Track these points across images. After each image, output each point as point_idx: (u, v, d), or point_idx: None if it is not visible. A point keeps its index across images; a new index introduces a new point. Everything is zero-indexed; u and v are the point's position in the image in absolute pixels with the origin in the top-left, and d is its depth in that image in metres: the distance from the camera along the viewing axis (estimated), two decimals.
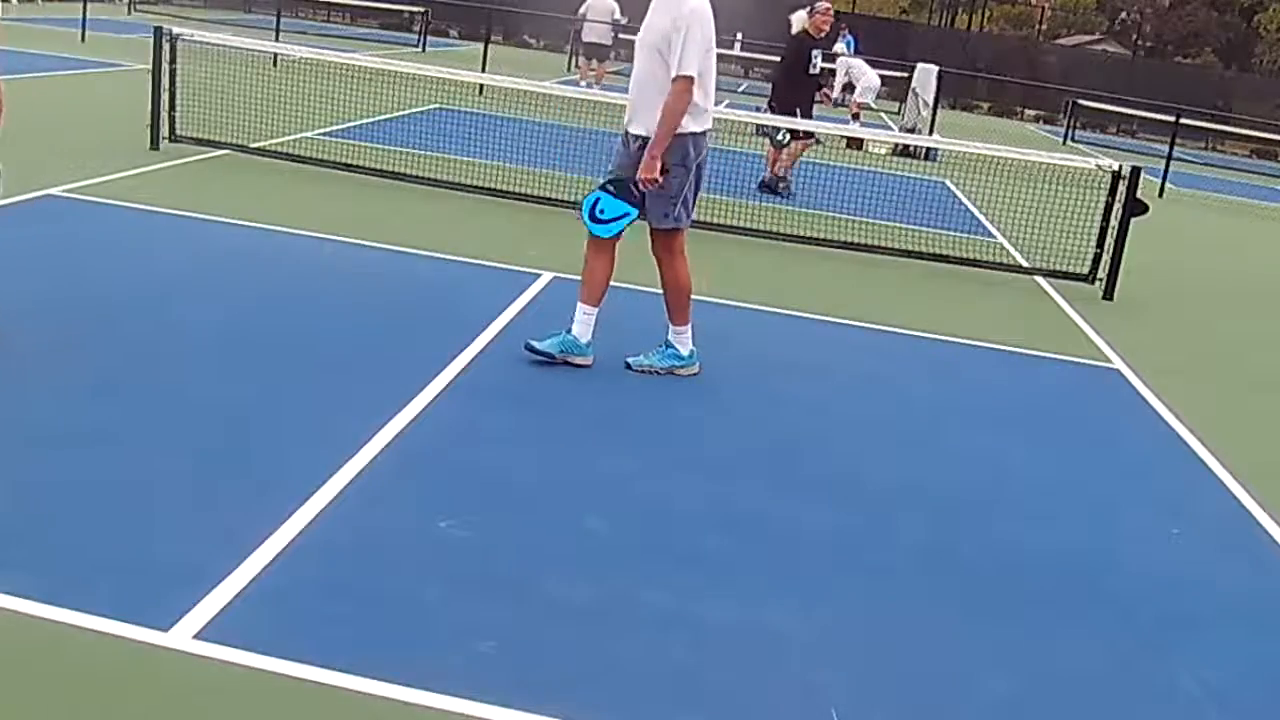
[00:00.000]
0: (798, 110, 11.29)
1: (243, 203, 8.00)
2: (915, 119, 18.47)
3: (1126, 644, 3.61)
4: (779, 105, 11.54)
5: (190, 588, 3.12)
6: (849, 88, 19.00)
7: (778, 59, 11.87)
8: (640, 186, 5.19)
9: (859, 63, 19.24)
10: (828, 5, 11.52)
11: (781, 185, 11.65)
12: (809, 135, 11.50)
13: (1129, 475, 5.18)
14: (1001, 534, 4.34)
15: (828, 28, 11.70)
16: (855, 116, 18.74)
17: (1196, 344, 8.11)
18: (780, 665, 3.21)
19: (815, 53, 11.54)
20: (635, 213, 5.23)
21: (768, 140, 11.65)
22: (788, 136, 11.24)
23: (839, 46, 20.10)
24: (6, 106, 4.66)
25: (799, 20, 11.62)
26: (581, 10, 20.24)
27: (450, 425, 4.60)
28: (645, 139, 5.20)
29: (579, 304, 5.42)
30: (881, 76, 19.64)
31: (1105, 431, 5.80)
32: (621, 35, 19.78)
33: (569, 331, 5.40)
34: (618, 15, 20.07)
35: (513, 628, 3.20)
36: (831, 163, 13.31)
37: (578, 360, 5.40)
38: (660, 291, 5.55)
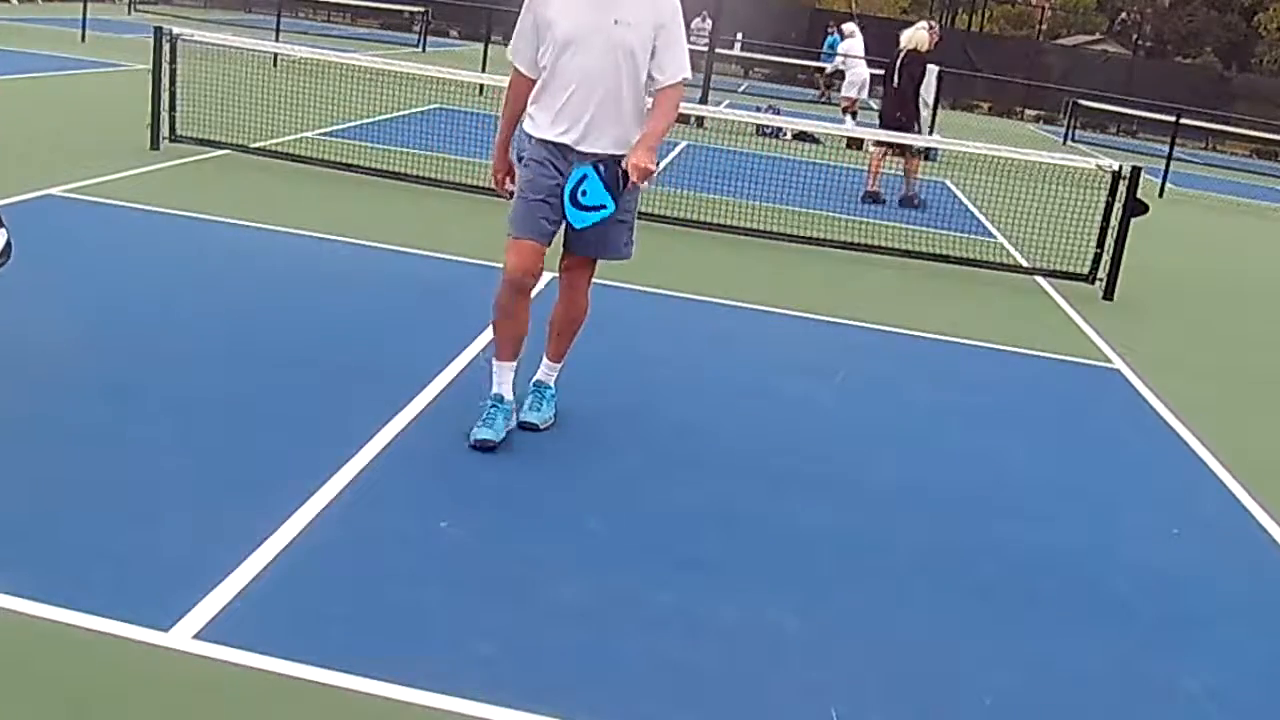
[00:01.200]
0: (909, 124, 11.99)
1: (243, 203, 8.00)
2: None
3: (1126, 644, 3.61)
4: (908, 120, 12.06)
5: (190, 588, 3.12)
6: (839, 75, 19.35)
7: (893, 77, 12.29)
8: (630, 181, 4.16)
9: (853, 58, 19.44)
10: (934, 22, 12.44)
11: (916, 200, 12.03)
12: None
13: (1129, 475, 5.18)
14: (1001, 534, 4.34)
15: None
16: (847, 110, 18.94)
17: (1196, 344, 8.11)
18: (780, 665, 3.21)
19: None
20: (613, 208, 4.23)
21: (897, 154, 12.06)
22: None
23: (846, 44, 20.26)
24: None
25: (920, 39, 12.06)
26: None
27: (451, 425, 4.59)
28: (605, 158, 4.18)
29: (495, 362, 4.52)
30: (882, 76, 19.64)
31: (1105, 431, 5.81)
32: None
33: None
34: None
35: (513, 628, 3.20)
36: (831, 163, 13.30)
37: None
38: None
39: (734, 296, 7.19)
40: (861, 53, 19.55)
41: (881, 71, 15.02)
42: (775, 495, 4.38)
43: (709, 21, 18.57)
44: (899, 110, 12.17)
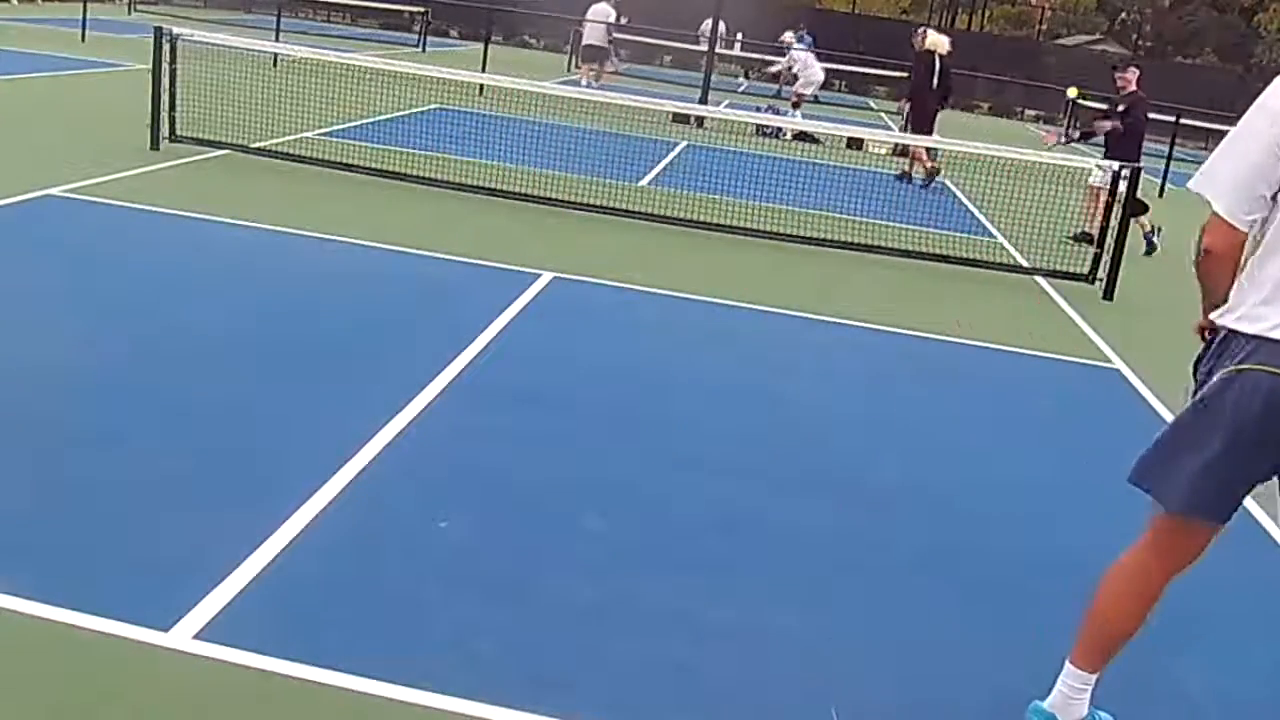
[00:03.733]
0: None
1: (243, 203, 8.00)
2: None
3: (1126, 644, 3.60)
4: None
5: (190, 588, 3.12)
6: (793, 79, 20.40)
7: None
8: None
9: (807, 57, 20.23)
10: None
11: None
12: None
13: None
14: (1001, 534, 4.34)
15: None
16: (796, 105, 19.66)
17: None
18: (780, 665, 3.21)
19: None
20: None
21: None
22: None
23: (799, 43, 21.03)
24: None
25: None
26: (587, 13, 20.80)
27: (450, 425, 4.59)
28: None
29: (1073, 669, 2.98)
30: (881, 77, 19.93)
31: (1104, 431, 5.80)
32: (616, 35, 20.97)
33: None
34: (613, 19, 20.67)
35: (513, 628, 3.20)
36: (831, 163, 13.31)
37: None
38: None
39: (734, 296, 7.19)
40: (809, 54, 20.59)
41: (898, 74, 15.65)
42: (775, 495, 4.37)
43: (716, 25, 18.75)
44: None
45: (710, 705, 2.99)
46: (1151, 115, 11.22)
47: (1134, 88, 10.85)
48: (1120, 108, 10.77)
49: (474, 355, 5.42)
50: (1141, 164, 9.86)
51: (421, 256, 7.28)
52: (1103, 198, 10.35)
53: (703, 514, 4.13)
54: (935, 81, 13.71)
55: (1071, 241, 10.50)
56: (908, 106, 14.00)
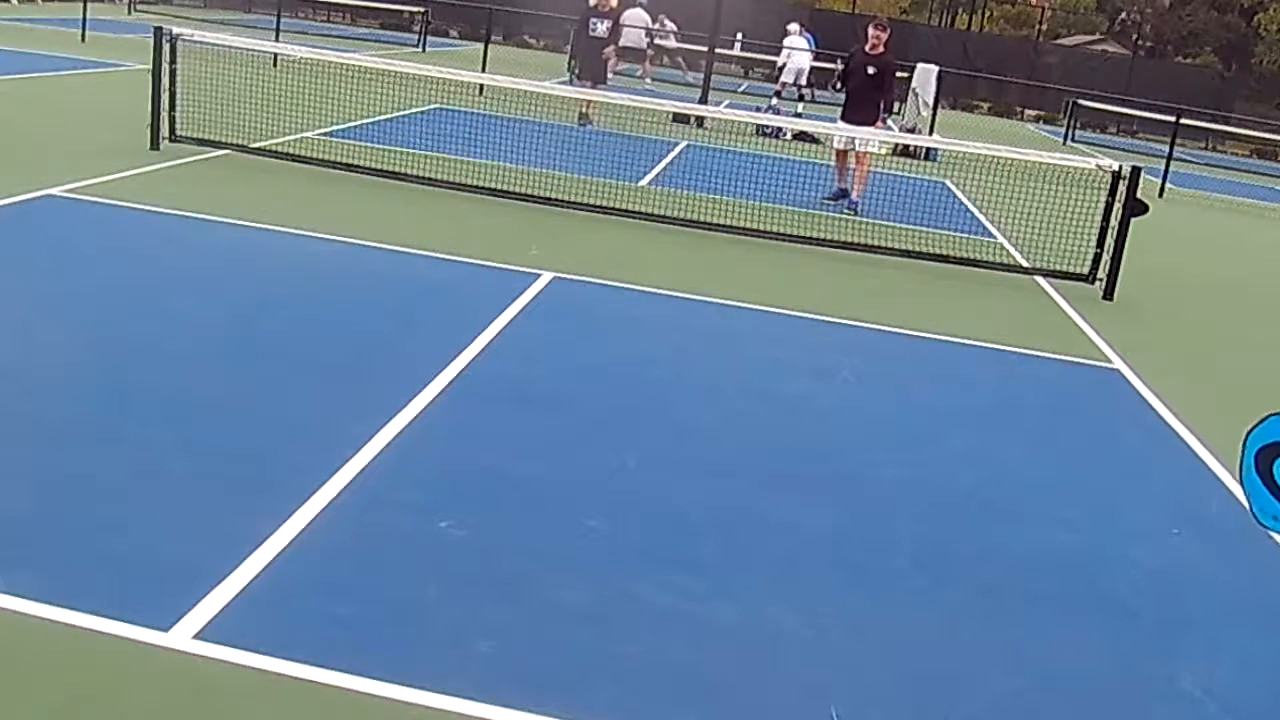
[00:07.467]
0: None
1: (243, 203, 7.99)
2: (915, 119, 18.48)
3: (1126, 644, 3.61)
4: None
5: (190, 588, 3.13)
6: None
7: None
8: None
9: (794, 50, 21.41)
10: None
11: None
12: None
13: (1129, 475, 5.18)
14: (1001, 534, 4.34)
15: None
16: (778, 94, 21.04)
17: (1196, 344, 8.10)
18: (780, 665, 3.21)
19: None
20: None
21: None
22: None
23: (798, 40, 21.79)
24: None
25: None
26: (623, 18, 22.38)
27: (450, 425, 4.59)
28: None
29: None
30: None
31: (1105, 431, 5.80)
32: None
33: None
34: (646, 21, 22.79)
35: (513, 628, 3.20)
36: (831, 163, 13.28)
37: None
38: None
39: (734, 296, 7.18)
40: (805, 47, 21.79)
41: (898, 74, 15.80)
42: (775, 495, 4.37)
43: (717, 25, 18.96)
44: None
45: (710, 705, 2.99)
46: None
47: (883, 49, 11.13)
48: (872, 70, 11.04)
49: (474, 355, 5.42)
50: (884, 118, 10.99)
51: (421, 256, 7.29)
52: (850, 159, 11.08)
53: (703, 514, 4.13)
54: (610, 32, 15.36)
55: (829, 200, 11.09)
56: (610, 54, 15.35)
